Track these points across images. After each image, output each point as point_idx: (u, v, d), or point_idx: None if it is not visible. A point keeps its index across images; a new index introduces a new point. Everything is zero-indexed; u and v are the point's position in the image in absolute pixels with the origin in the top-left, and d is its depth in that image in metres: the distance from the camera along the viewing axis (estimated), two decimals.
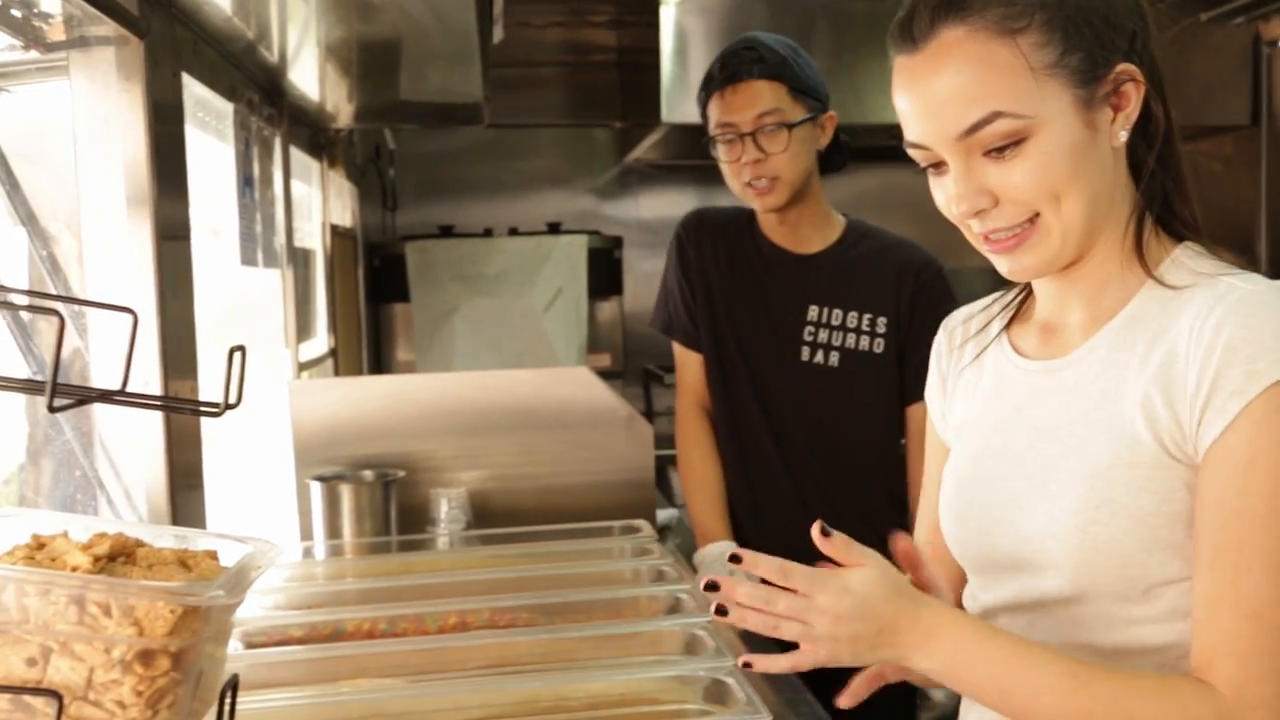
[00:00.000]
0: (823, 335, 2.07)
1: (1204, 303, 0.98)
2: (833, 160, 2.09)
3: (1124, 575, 1.01)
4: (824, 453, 2.08)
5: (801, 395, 2.08)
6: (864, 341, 2.06)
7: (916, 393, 2.09)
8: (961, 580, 1.21)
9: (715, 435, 2.16)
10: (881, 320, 2.06)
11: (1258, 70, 3.83)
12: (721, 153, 2.02)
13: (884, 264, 2.08)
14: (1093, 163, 1.00)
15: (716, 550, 2.07)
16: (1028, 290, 1.18)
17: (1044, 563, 1.06)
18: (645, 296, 4.61)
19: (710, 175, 4.35)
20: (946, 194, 1.04)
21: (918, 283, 2.06)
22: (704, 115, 2.05)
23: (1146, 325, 1.03)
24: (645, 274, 4.38)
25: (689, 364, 2.19)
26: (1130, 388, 1.01)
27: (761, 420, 2.10)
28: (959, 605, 1.21)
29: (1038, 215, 1.01)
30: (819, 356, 2.07)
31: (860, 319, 2.06)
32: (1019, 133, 0.98)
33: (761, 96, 1.96)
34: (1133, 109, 1.02)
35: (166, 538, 0.80)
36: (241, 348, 0.78)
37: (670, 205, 4.36)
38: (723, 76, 1.99)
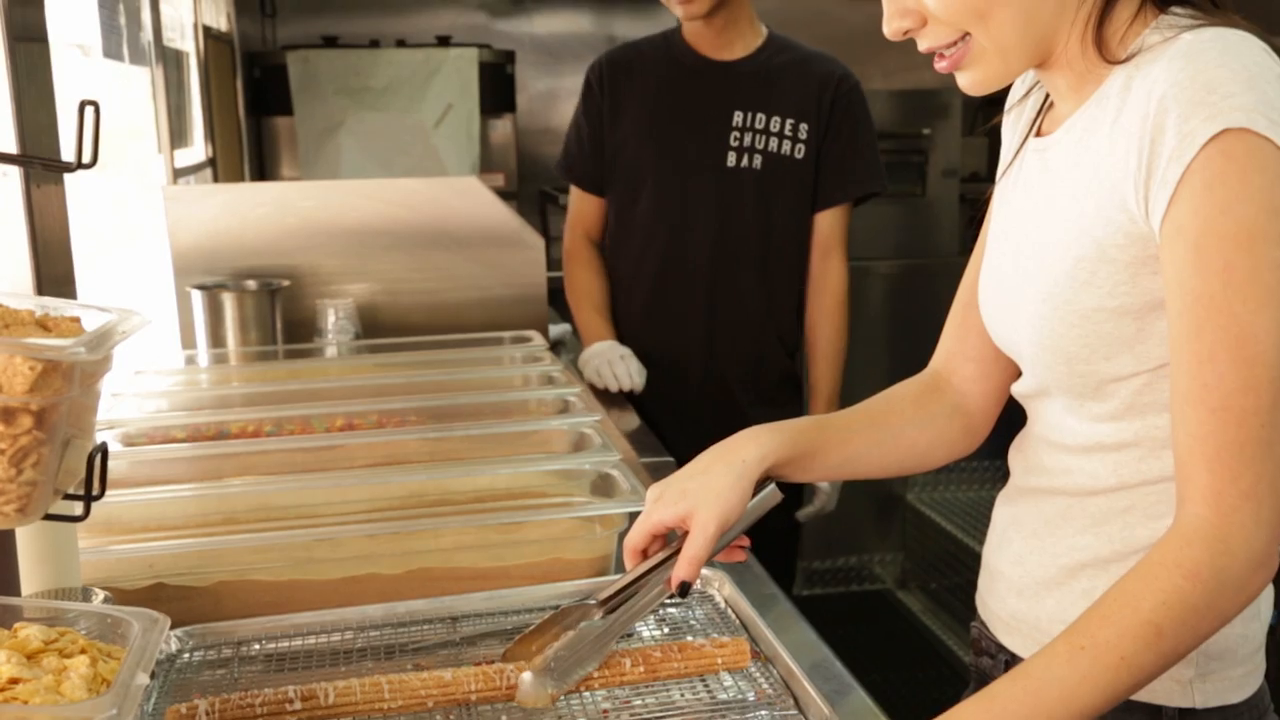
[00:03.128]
0: (747, 139, 2.09)
1: (1154, 68, 0.90)
2: None
3: (1072, 371, 0.99)
4: (746, 258, 2.13)
5: (727, 200, 2.10)
6: (785, 146, 2.09)
7: (828, 200, 2.14)
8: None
9: (611, 261, 2.19)
10: (804, 126, 2.09)
11: None
12: None
13: (806, 73, 2.10)
14: None
15: (599, 348, 2.12)
16: None
17: (1018, 355, 1.06)
18: (540, 117, 4.51)
19: None
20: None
21: (837, 92, 2.10)
22: None
23: (1111, 103, 0.95)
24: (540, 93, 4.25)
25: (583, 204, 2.21)
26: (1089, 175, 0.96)
27: (673, 236, 2.12)
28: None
29: (968, 34, 0.95)
30: (744, 160, 2.09)
31: (784, 124, 2.09)
32: None
33: None
34: None
35: (26, 303, 0.77)
36: (94, 102, 0.73)
37: (566, 23, 4.20)
38: None
